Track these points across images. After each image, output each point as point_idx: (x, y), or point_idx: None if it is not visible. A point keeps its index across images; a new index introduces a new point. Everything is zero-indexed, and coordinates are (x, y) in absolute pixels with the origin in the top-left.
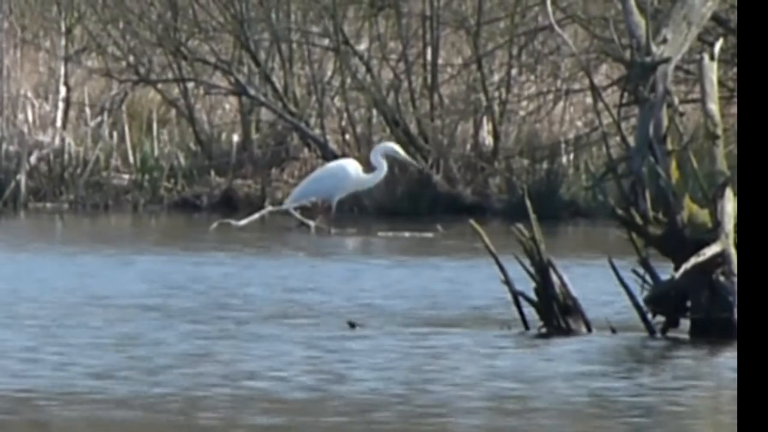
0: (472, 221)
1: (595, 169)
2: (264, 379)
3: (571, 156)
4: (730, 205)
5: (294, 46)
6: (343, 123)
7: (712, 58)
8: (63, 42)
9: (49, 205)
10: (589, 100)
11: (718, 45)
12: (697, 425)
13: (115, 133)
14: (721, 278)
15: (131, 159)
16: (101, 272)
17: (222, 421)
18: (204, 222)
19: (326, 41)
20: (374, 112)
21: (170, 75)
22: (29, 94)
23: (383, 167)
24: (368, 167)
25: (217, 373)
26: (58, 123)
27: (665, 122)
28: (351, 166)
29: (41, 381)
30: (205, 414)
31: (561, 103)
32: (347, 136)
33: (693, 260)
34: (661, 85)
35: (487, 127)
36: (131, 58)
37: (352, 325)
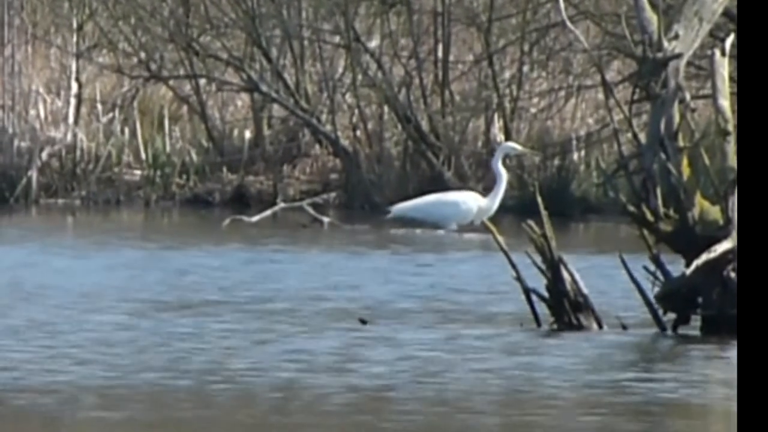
0: (483, 218)
1: (606, 165)
2: (273, 375)
3: (583, 153)
4: None
5: (305, 42)
6: (355, 119)
7: (723, 53)
8: (74, 38)
9: (60, 201)
10: (600, 96)
11: (729, 41)
12: (707, 422)
13: (126, 129)
14: (732, 275)
15: (143, 155)
16: (114, 267)
17: (231, 415)
18: (216, 218)
19: (337, 38)
20: (385, 108)
21: (182, 71)
22: (41, 91)
23: (503, 177)
24: (484, 192)
25: (227, 368)
26: (70, 119)
27: (677, 118)
28: (476, 199)
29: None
30: (212, 409)
31: (572, 100)
32: (358, 133)
33: (704, 257)
34: (673, 81)
35: (498, 123)
36: (143, 55)
37: (364, 322)
